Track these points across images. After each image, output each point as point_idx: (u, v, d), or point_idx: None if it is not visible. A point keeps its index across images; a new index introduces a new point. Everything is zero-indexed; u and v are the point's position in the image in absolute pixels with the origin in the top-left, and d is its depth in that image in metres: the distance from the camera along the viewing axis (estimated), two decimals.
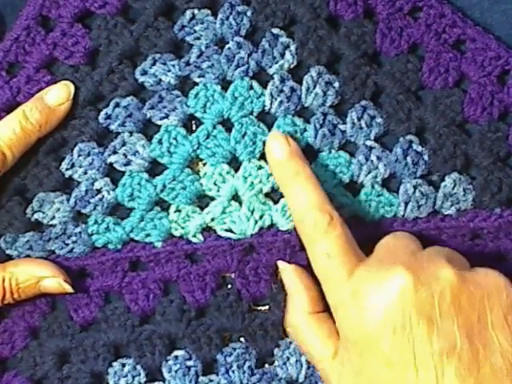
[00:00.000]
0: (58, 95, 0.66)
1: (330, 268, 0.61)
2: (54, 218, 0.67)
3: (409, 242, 0.63)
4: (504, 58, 0.67)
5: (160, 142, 0.67)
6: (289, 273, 0.66)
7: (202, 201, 0.68)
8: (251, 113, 0.67)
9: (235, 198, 0.68)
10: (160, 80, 0.67)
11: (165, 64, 0.66)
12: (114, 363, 0.68)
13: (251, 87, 0.67)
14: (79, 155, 0.67)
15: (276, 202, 0.68)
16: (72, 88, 0.66)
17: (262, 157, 0.67)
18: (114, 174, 0.67)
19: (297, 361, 0.68)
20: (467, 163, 0.68)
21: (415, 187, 0.67)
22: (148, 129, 0.67)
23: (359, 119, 0.67)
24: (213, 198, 0.68)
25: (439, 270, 0.59)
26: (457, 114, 0.67)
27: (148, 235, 0.68)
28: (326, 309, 0.64)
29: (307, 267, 0.65)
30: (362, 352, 0.59)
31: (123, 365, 0.68)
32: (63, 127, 0.66)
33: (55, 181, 0.67)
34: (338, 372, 0.61)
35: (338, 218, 0.62)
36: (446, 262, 0.59)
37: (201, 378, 0.68)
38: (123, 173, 0.67)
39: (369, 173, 0.67)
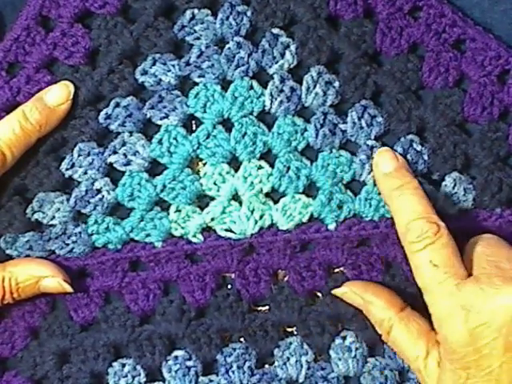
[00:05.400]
0: (57, 95, 0.66)
1: (436, 277, 0.60)
2: (54, 218, 0.67)
3: (507, 250, 0.62)
4: (504, 58, 0.67)
5: (160, 142, 0.67)
6: (351, 292, 0.66)
7: (202, 201, 0.68)
8: (251, 113, 0.67)
9: (235, 197, 0.68)
10: (160, 80, 0.67)
11: (165, 64, 0.66)
12: (114, 363, 0.68)
13: (251, 87, 0.67)
14: (79, 155, 0.67)
15: (276, 202, 0.68)
16: (72, 88, 0.66)
17: (262, 157, 0.68)
18: (114, 174, 0.67)
19: (297, 361, 0.68)
20: (467, 163, 0.68)
21: None
22: (148, 129, 0.67)
23: (360, 119, 0.67)
24: (213, 198, 0.68)
25: None
26: (457, 113, 0.67)
27: (148, 235, 0.68)
28: (406, 304, 0.64)
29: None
30: (470, 366, 0.58)
31: (123, 365, 0.68)
32: (63, 127, 0.66)
33: (55, 181, 0.67)
34: (436, 375, 0.61)
35: (444, 228, 0.61)
36: None
37: (201, 378, 0.68)
38: (123, 173, 0.67)
39: (370, 171, 0.67)
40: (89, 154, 0.67)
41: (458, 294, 0.59)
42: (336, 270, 0.69)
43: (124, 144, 0.67)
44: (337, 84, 0.67)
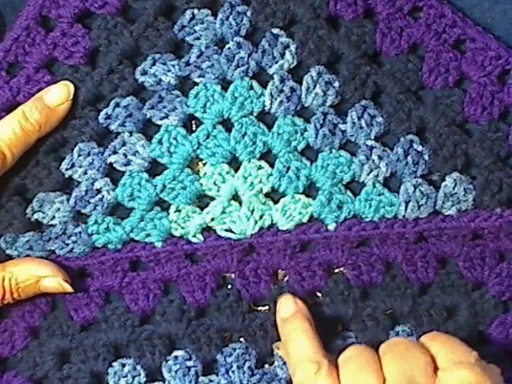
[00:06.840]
0: (57, 95, 0.66)
1: None
2: (54, 217, 0.67)
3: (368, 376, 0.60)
4: (504, 58, 0.67)
5: (160, 142, 0.67)
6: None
7: (202, 201, 0.68)
8: (251, 113, 0.67)
9: (235, 198, 0.68)
10: (160, 80, 0.67)
11: (165, 64, 0.66)
12: (114, 363, 0.68)
13: (251, 87, 0.67)
14: (79, 155, 0.67)
15: (276, 202, 0.68)
16: (72, 88, 0.66)
17: (262, 157, 0.68)
18: (113, 174, 0.67)
19: None
20: (468, 163, 0.68)
21: (415, 187, 0.67)
22: (148, 129, 0.67)
23: (359, 119, 0.67)
24: (213, 198, 0.68)
25: None
26: (457, 113, 0.67)
27: (148, 235, 0.68)
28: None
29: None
30: None
31: (123, 365, 0.68)
32: (63, 127, 0.66)
33: (55, 181, 0.67)
34: None
35: (325, 364, 0.60)
36: None
37: (201, 378, 0.68)
38: (123, 173, 0.67)
39: (370, 172, 0.67)
40: (89, 154, 0.67)
41: None
42: (336, 270, 0.69)
43: (124, 144, 0.67)
44: (337, 84, 0.67)
